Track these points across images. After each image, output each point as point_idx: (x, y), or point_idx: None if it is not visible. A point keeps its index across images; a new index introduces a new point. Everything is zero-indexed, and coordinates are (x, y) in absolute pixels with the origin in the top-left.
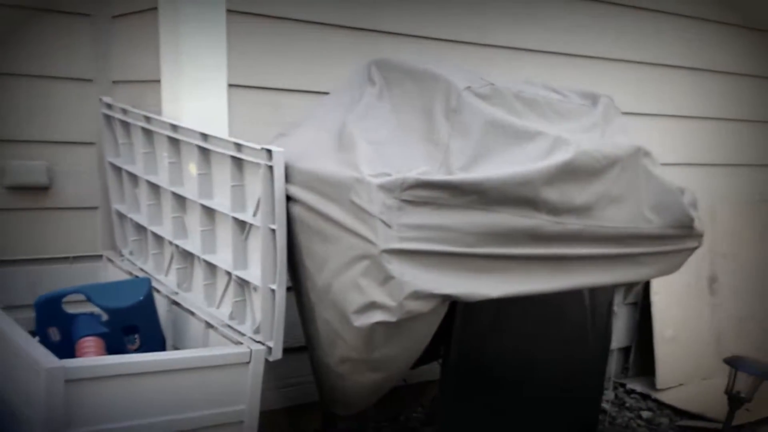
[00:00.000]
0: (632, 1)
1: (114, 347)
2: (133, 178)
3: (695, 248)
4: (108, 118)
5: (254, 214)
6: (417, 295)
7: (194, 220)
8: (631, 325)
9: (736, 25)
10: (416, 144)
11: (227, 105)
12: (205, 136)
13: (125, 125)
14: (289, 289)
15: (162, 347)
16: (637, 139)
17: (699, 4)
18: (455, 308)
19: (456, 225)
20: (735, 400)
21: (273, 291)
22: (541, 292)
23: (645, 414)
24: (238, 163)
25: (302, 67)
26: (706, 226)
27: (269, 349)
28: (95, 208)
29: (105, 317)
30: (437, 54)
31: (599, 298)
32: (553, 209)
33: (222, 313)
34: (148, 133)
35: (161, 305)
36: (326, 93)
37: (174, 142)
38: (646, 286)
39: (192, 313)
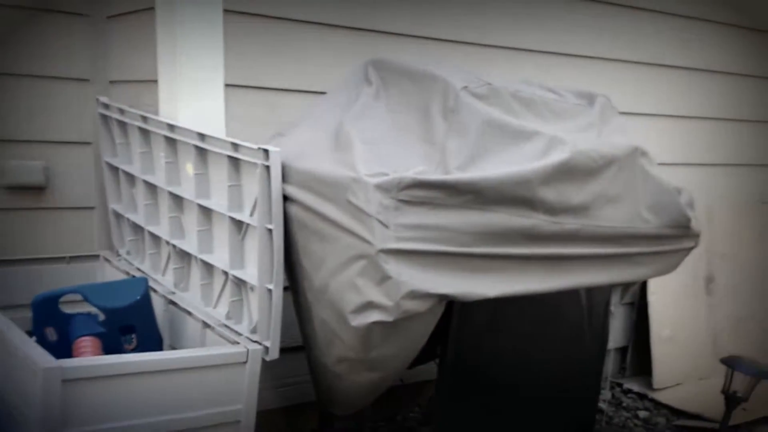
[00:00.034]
0: (630, 1)
1: (111, 347)
2: (130, 177)
3: (692, 248)
4: (105, 118)
5: (251, 214)
6: (414, 295)
7: (191, 220)
8: (628, 325)
9: (734, 25)
10: (413, 144)
11: (224, 105)
12: (202, 136)
13: (122, 125)
14: (286, 288)
15: (159, 347)
16: (634, 138)
17: (697, 4)
18: (452, 308)
19: (453, 225)
20: (732, 399)
21: (270, 291)
22: (537, 291)
23: (642, 414)
24: (235, 162)
25: (299, 67)
26: (703, 226)
27: (266, 348)
28: (92, 207)
29: (102, 317)
30: (435, 54)
31: (596, 297)
32: (550, 209)
33: (219, 312)
34: (145, 133)
35: (158, 305)
36: (323, 93)
37: (171, 142)
38: (643, 286)
39: (189, 313)
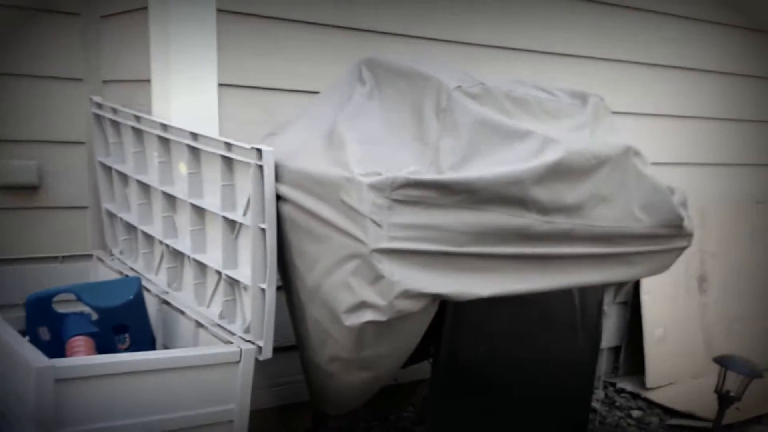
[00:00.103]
0: (624, 1)
1: (104, 347)
2: (124, 177)
3: (685, 248)
4: (98, 118)
5: (244, 214)
6: (407, 295)
7: (184, 220)
8: (621, 324)
9: (729, 25)
10: (406, 143)
11: (217, 104)
12: (195, 136)
13: (115, 125)
14: (279, 288)
15: (152, 346)
16: (627, 138)
17: (690, 3)
18: (445, 307)
19: (446, 224)
20: (725, 399)
21: (263, 290)
22: (531, 291)
23: (635, 413)
24: (228, 162)
25: (292, 66)
26: (696, 225)
27: (259, 348)
28: (85, 207)
29: (95, 316)
30: (429, 53)
31: (589, 297)
32: (543, 209)
33: (212, 312)
34: (138, 133)
35: (151, 304)
36: (317, 92)
37: (164, 142)
38: (636, 285)
39: (182, 313)
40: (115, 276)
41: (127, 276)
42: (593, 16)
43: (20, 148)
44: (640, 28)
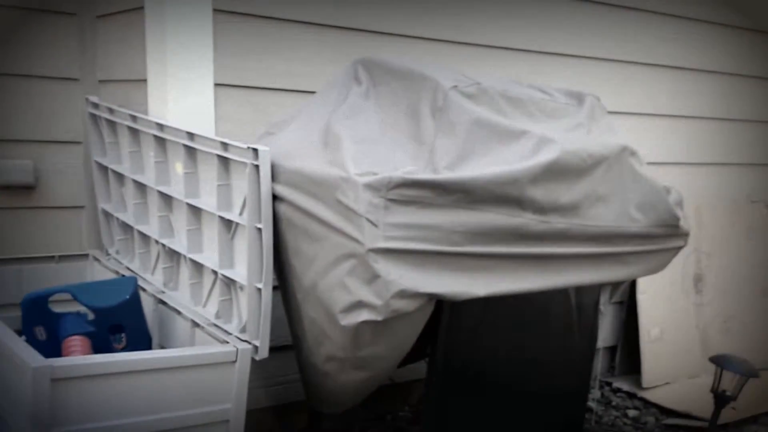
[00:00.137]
0: (619, 1)
1: (100, 346)
2: (120, 177)
3: (681, 247)
4: (94, 118)
5: (240, 213)
6: (403, 294)
7: (181, 219)
8: (617, 324)
9: (724, 25)
10: (402, 143)
11: (214, 104)
12: (191, 135)
13: (111, 124)
14: (275, 288)
15: (148, 346)
16: (623, 138)
17: (687, 3)
18: (442, 307)
19: (442, 224)
20: (721, 398)
21: (259, 290)
22: (527, 291)
23: (631, 413)
24: (224, 162)
25: (289, 66)
26: (692, 225)
27: (255, 348)
28: (81, 207)
29: (91, 316)
30: (425, 53)
31: (585, 297)
32: (539, 208)
33: (208, 312)
34: (134, 133)
35: (147, 304)
36: (313, 92)
37: (160, 142)
38: (633, 285)
39: (178, 312)
40: (111, 276)
41: (123, 276)
42: (590, 17)
43: (16, 147)
44: (636, 28)
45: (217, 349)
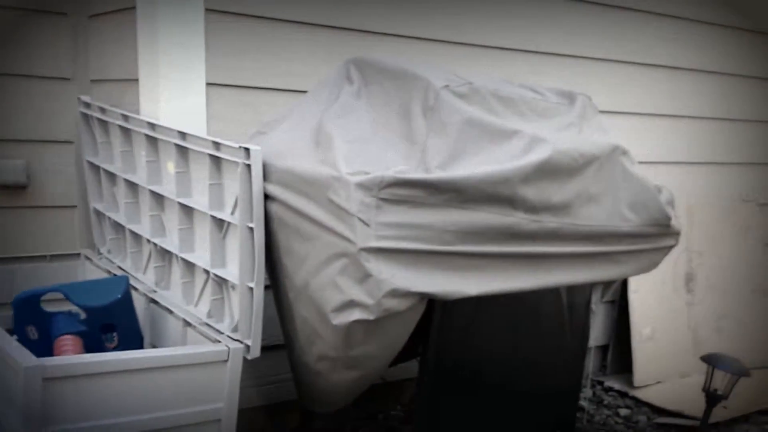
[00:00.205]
0: (613, 1)
1: (92, 346)
2: (112, 176)
3: (672, 246)
4: (86, 117)
5: (232, 213)
6: (395, 294)
7: (172, 219)
8: (608, 323)
9: (719, 25)
10: (394, 142)
11: (205, 103)
12: (183, 135)
13: (103, 124)
14: (267, 287)
15: (140, 345)
16: (614, 137)
17: (681, 3)
18: (433, 306)
19: (434, 223)
20: (712, 397)
21: (251, 289)
22: (519, 290)
23: (623, 412)
24: (216, 161)
25: (280, 66)
26: (684, 224)
27: (247, 347)
28: (73, 206)
29: (83, 316)
30: (417, 53)
31: (577, 296)
32: (531, 208)
33: (200, 311)
34: (126, 132)
35: (139, 303)
36: (305, 92)
37: (152, 141)
38: (624, 284)
39: (170, 312)
40: (103, 275)
41: (115, 275)
42: (582, 16)
43: (8, 147)
44: (630, 28)
45: (208, 348)
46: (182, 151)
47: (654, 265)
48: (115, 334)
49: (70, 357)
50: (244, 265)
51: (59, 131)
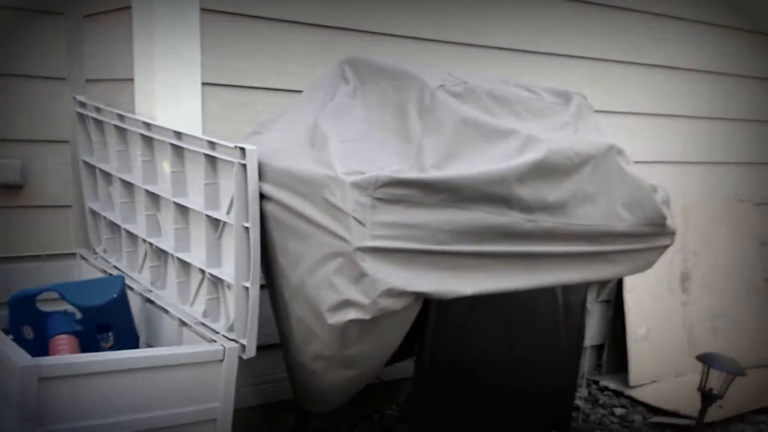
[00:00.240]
0: (608, 1)
1: (88, 345)
2: (107, 176)
3: (668, 246)
4: (82, 117)
5: (228, 212)
6: (391, 293)
7: (168, 218)
8: (604, 322)
9: (711, 24)
10: (389, 142)
11: (201, 103)
12: (178, 135)
13: (99, 124)
14: (262, 286)
15: (135, 345)
16: (610, 136)
17: (674, 3)
18: (429, 306)
19: (429, 223)
20: (707, 397)
21: (246, 289)
22: (514, 289)
23: (618, 411)
24: (211, 161)
25: (276, 65)
26: (679, 223)
27: (243, 346)
28: (69, 206)
29: (79, 315)
30: (413, 53)
31: (572, 295)
32: (526, 207)
33: (196, 310)
34: (121, 132)
35: (135, 303)
36: (300, 91)
37: (147, 141)
38: (620, 283)
39: (166, 311)
40: (98, 275)
41: (110, 275)
42: (576, 16)
43: (4, 147)
44: (624, 27)
45: (204, 347)
46: (178, 150)
47: (649, 264)
48: (110, 333)
49: (66, 357)
50: (239, 264)
51: (55, 131)
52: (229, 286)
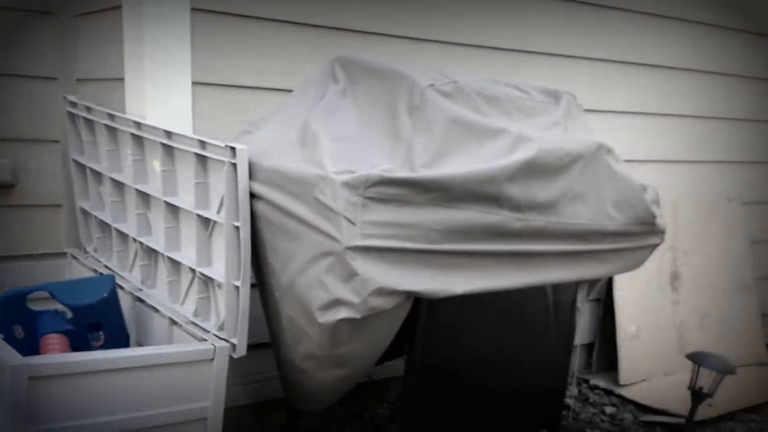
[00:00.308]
0: (605, 1)
1: (78, 344)
2: (98, 175)
3: (657, 245)
4: (72, 116)
5: (218, 212)
6: (381, 292)
7: (158, 218)
8: (594, 321)
9: (703, 24)
10: (380, 141)
11: (191, 103)
12: (168, 134)
13: (89, 123)
14: (253, 286)
15: (126, 344)
16: (599, 136)
17: (667, 3)
18: (419, 305)
19: (419, 222)
20: (698, 395)
21: (237, 288)
22: (504, 288)
23: (608, 409)
24: (202, 160)
25: (267, 65)
26: (669, 222)
27: (233, 345)
28: (60, 205)
29: (69, 314)
30: (403, 52)
31: (563, 294)
32: (516, 206)
33: (186, 309)
34: (112, 131)
35: (125, 302)
36: (291, 91)
37: (138, 140)
38: (610, 282)
39: (156, 310)
40: (89, 274)
41: (101, 274)
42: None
43: None
44: (615, 27)
45: (195, 347)
46: (168, 150)
47: (639, 263)
48: (101, 332)
49: (57, 356)
50: (230, 263)
51: (45, 130)
52: (219, 285)
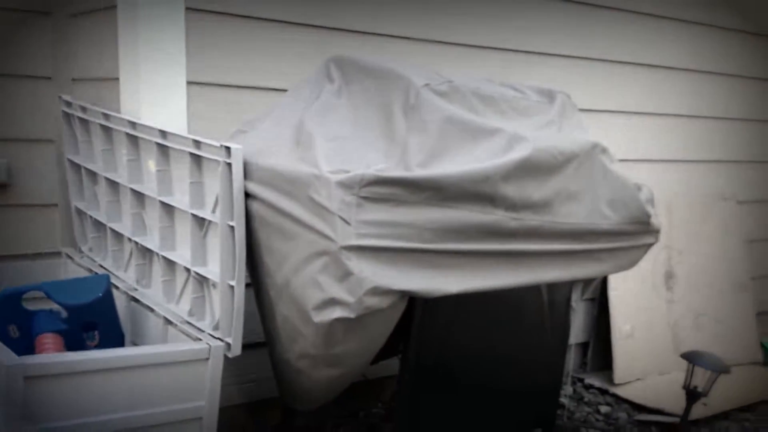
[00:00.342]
0: (603, 1)
1: (73, 344)
2: (93, 175)
3: (652, 244)
4: (67, 116)
5: (213, 211)
6: (376, 291)
7: (153, 217)
8: (589, 320)
9: (696, 23)
10: (375, 141)
11: (186, 102)
12: (163, 134)
13: (84, 123)
14: (248, 285)
15: (121, 343)
16: (594, 135)
17: (662, 3)
18: (414, 304)
19: (414, 221)
20: (692, 394)
21: (232, 287)
22: (499, 287)
23: (603, 409)
24: (197, 160)
25: (262, 64)
26: (663, 222)
27: (228, 345)
28: (55, 205)
29: (64, 314)
30: (398, 52)
31: (557, 293)
32: (511, 205)
33: (181, 309)
34: (107, 131)
35: (120, 302)
36: (286, 90)
37: (133, 140)
38: (604, 281)
39: (151, 310)
40: (84, 273)
41: (96, 273)
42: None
43: None
44: (613, 27)
45: (189, 346)
46: (163, 149)
47: (634, 262)
48: (96, 332)
49: (52, 355)
50: (225, 263)
51: (40, 130)
52: (214, 285)
